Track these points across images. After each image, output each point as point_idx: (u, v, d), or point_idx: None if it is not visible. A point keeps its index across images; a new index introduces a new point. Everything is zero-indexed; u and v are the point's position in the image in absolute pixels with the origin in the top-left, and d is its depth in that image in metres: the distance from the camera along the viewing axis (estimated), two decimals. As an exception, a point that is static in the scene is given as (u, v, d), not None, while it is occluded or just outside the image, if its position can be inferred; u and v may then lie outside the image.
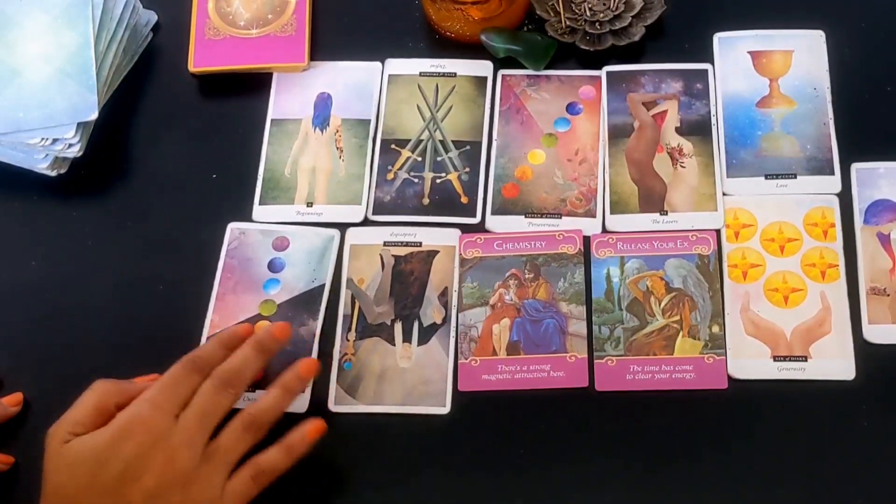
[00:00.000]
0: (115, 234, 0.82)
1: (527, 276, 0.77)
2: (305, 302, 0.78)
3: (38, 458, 0.73)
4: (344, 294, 0.77)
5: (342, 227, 0.80)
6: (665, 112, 0.82)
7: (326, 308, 0.77)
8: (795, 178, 0.79)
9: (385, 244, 0.79)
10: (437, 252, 0.78)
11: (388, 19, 0.89)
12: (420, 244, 0.78)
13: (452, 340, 0.75)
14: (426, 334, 0.76)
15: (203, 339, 0.77)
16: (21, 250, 0.82)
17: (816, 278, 0.76)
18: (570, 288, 0.76)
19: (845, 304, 0.75)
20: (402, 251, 0.78)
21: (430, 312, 0.76)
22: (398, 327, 0.76)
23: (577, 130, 0.83)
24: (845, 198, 0.78)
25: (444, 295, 0.77)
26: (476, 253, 0.78)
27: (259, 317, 0.77)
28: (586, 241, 0.78)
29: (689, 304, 0.75)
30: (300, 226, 0.81)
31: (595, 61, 0.85)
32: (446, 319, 0.76)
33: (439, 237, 0.79)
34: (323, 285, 0.78)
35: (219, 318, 0.77)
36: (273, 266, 0.79)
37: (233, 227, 0.81)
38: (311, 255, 0.79)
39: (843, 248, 0.77)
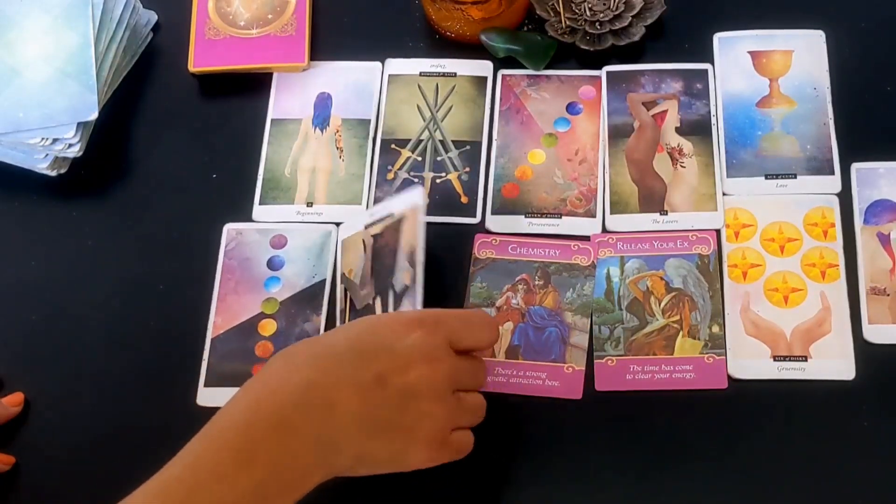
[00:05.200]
0: (115, 234, 0.82)
1: (537, 282, 0.77)
2: (308, 298, 0.78)
3: (39, 458, 0.74)
4: (339, 290, 0.77)
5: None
6: (665, 112, 0.82)
7: (329, 303, 0.78)
8: (795, 178, 0.79)
9: (365, 227, 0.78)
10: (404, 217, 0.75)
11: (388, 19, 0.89)
12: (392, 215, 0.76)
13: (420, 297, 0.73)
14: (398, 300, 0.74)
15: (207, 342, 0.77)
16: (21, 250, 0.82)
17: (816, 278, 0.76)
18: (578, 299, 0.76)
19: (845, 304, 0.75)
20: (379, 228, 0.77)
21: (401, 277, 0.74)
22: (378, 302, 0.75)
23: (577, 130, 0.83)
24: (845, 198, 0.78)
25: (411, 255, 0.74)
26: (490, 254, 0.78)
27: (262, 315, 0.77)
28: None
29: (689, 304, 0.75)
30: (295, 224, 0.81)
31: (595, 61, 0.85)
32: (414, 278, 0.73)
33: (406, 201, 0.76)
34: (324, 280, 0.78)
35: (221, 319, 0.77)
36: (272, 264, 0.79)
37: (229, 228, 0.81)
38: (310, 252, 0.79)
39: (843, 248, 0.77)
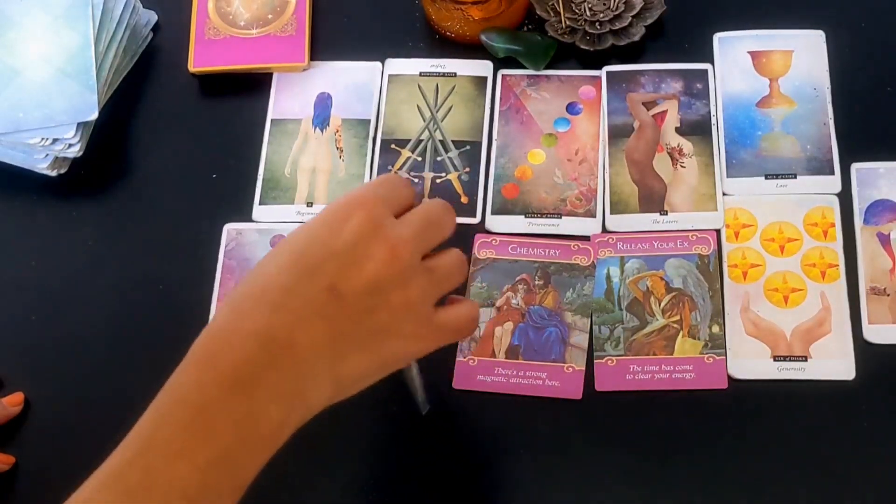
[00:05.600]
0: (115, 234, 0.82)
1: (537, 282, 0.77)
2: None
3: (39, 458, 0.74)
4: None
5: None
6: (665, 112, 0.83)
7: None
8: (795, 178, 0.79)
9: None
10: None
11: (388, 19, 0.89)
12: None
13: None
14: None
15: None
16: (21, 250, 0.82)
17: (816, 278, 0.76)
18: (578, 299, 0.76)
19: (845, 304, 0.75)
20: None
21: None
22: None
23: (577, 130, 0.83)
24: (845, 198, 0.78)
25: None
26: (490, 254, 0.78)
27: None
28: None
29: (689, 304, 0.75)
30: (293, 223, 0.80)
31: (595, 61, 0.85)
32: None
33: None
34: None
35: None
36: None
37: (229, 228, 0.81)
38: None
39: (843, 248, 0.77)
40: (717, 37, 0.85)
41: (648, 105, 0.83)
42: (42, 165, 0.82)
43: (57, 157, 0.82)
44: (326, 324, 0.55)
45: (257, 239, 0.80)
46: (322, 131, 0.84)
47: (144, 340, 0.77)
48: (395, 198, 0.59)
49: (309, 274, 0.55)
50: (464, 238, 0.79)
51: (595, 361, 0.74)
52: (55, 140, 0.80)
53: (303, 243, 0.56)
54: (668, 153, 0.81)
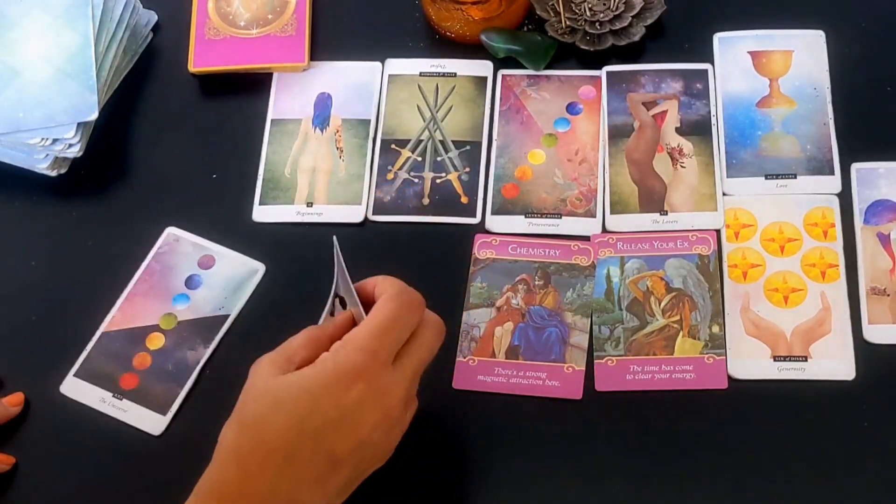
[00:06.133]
0: (115, 234, 0.82)
1: (537, 282, 0.77)
2: (205, 327, 0.76)
3: (39, 458, 0.74)
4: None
5: (342, 227, 0.80)
6: (665, 112, 0.83)
7: (222, 340, 0.76)
8: (795, 178, 0.79)
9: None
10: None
11: (388, 19, 0.89)
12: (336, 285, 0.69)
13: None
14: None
15: (95, 338, 0.76)
16: (21, 250, 0.82)
17: (816, 278, 0.76)
18: (578, 299, 0.76)
19: (845, 304, 0.75)
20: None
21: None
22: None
23: (577, 130, 0.83)
24: (845, 198, 0.78)
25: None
26: (490, 254, 0.78)
27: (156, 328, 0.76)
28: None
29: (689, 304, 0.75)
30: (229, 250, 0.79)
31: (595, 61, 0.85)
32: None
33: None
34: (227, 316, 0.77)
35: (121, 316, 0.77)
36: (190, 282, 0.78)
37: (169, 232, 0.80)
38: (230, 283, 0.78)
39: (843, 248, 0.77)
40: (717, 37, 0.85)
41: (648, 105, 0.83)
42: (42, 165, 0.82)
43: (57, 157, 0.82)
44: (322, 488, 0.60)
45: (190, 251, 0.79)
46: (322, 131, 0.84)
47: (144, 340, 0.77)
48: (399, 342, 0.62)
49: (310, 442, 0.59)
50: (464, 238, 0.79)
51: (595, 361, 0.74)
52: (55, 140, 0.80)
53: (307, 409, 0.59)
54: (668, 153, 0.81)
